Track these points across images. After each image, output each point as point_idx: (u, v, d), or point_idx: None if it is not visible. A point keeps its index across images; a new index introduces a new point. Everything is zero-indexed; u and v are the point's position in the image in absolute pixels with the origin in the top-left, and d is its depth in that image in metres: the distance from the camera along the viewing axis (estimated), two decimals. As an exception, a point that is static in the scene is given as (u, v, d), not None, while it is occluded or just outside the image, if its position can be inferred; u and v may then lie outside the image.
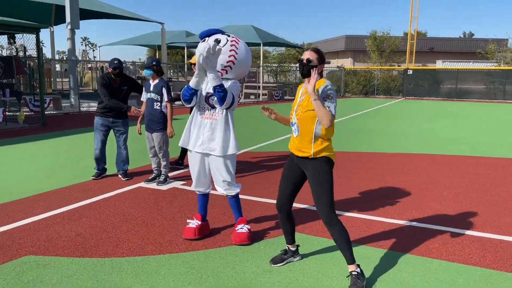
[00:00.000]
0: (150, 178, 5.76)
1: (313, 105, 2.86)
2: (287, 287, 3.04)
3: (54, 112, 14.67)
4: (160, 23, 23.54)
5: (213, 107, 3.67)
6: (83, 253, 3.54)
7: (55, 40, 16.18)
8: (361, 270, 3.05)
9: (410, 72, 28.55)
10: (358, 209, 4.78)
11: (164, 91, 5.39)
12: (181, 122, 12.50)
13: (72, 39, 16.58)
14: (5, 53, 13.22)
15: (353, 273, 3.00)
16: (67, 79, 27.68)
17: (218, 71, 3.62)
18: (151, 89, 5.44)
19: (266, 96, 24.16)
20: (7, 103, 12.91)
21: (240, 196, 5.12)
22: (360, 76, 30.50)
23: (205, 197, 3.98)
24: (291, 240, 3.41)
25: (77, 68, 16.84)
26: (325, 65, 36.79)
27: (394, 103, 23.49)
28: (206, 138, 3.69)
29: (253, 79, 27.52)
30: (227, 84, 3.65)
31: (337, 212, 4.64)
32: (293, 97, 25.92)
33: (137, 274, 3.19)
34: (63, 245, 3.68)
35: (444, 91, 28.36)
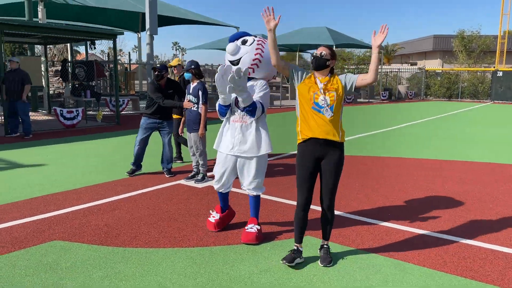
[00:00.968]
0: (189, 176, 6.04)
1: (373, 58, 3.16)
2: (275, 287, 3.06)
3: (132, 112, 15.81)
4: (235, 27, 24.26)
5: (243, 110, 3.77)
6: (103, 241, 3.84)
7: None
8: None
9: (500, 74, 26.24)
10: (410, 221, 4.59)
11: (200, 93, 5.62)
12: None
13: (150, 44, 17.69)
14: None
15: (325, 245, 3.52)
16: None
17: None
18: (190, 91, 5.70)
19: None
20: (90, 103, 14.20)
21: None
22: (444, 78, 28.72)
23: (226, 193, 4.13)
24: (302, 239, 3.48)
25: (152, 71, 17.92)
26: (409, 67, 35.01)
27: (479, 107, 21.78)
28: (237, 141, 3.82)
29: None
30: (255, 87, 3.79)
31: (393, 222, 4.50)
32: (367, 101, 25.17)
33: (141, 264, 3.40)
34: (89, 233, 4.02)
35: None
